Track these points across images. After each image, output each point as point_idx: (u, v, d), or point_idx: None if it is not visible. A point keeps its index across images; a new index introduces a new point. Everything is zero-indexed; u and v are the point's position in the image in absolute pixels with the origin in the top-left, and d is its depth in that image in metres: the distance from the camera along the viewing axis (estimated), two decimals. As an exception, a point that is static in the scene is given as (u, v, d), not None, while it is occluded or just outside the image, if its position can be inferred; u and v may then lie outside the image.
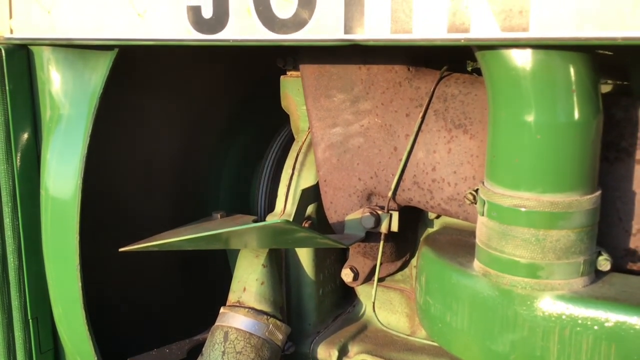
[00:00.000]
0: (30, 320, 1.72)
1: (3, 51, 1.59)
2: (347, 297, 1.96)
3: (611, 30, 1.01)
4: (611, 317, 1.19)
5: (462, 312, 1.35)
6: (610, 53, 1.49)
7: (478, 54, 1.25)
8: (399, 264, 1.80)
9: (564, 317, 1.23)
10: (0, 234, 1.68)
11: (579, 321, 1.21)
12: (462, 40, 1.12)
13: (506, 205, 1.25)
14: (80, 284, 1.59)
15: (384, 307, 1.88)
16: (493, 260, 1.29)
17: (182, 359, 1.74)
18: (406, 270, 1.83)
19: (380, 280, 1.83)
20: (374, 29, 1.19)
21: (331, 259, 1.87)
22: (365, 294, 1.91)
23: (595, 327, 1.20)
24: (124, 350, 1.72)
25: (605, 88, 1.60)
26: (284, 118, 1.96)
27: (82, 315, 1.62)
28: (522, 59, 1.16)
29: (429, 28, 1.14)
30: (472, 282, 1.33)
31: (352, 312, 1.93)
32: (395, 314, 1.87)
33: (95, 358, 1.66)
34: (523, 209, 1.23)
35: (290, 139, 1.94)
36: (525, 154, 1.22)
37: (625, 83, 1.60)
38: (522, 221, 1.23)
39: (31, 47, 1.64)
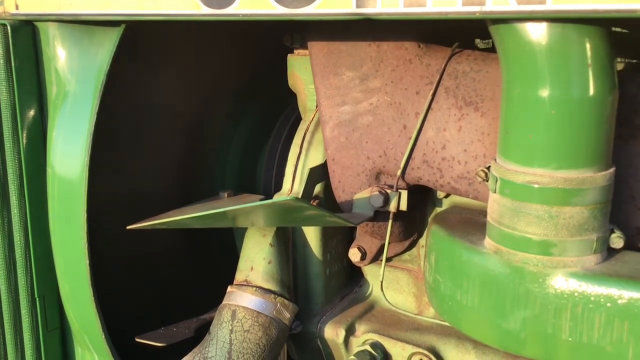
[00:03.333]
0: (37, 299, 1.71)
1: (9, 27, 1.57)
2: (353, 277, 1.95)
3: (630, 2, 0.99)
4: (624, 294, 1.19)
5: (472, 290, 1.34)
6: (624, 30, 1.47)
7: (492, 28, 1.23)
8: (406, 243, 1.79)
9: (576, 294, 1.22)
10: (7, 212, 1.67)
11: (592, 298, 1.21)
12: (477, 14, 1.10)
13: (519, 182, 1.24)
14: (87, 262, 1.59)
15: (391, 287, 1.87)
16: (505, 237, 1.29)
17: (190, 337, 1.73)
18: (414, 250, 1.82)
19: (388, 260, 1.82)
20: (387, 2, 1.17)
21: (338, 239, 1.86)
22: (372, 274, 1.90)
23: (608, 305, 1.20)
24: (131, 329, 1.72)
25: (619, 66, 1.59)
26: (292, 97, 1.95)
27: (90, 293, 1.61)
28: (538, 33, 1.14)
29: (444, 1, 1.12)
30: (483, 259, 1.33)
31: (358, 292, 1.92)
32: (402, 294, 1.86)
33: (102, 336, 1.66)
34: (536, 186, 1.22)
35: (299, 118, 1.93)
36: (539, 130, 1.21)
37: (639, 61, 1.58)
38: (535, 198, 1.22)
39: (37, 23, 1.62)
